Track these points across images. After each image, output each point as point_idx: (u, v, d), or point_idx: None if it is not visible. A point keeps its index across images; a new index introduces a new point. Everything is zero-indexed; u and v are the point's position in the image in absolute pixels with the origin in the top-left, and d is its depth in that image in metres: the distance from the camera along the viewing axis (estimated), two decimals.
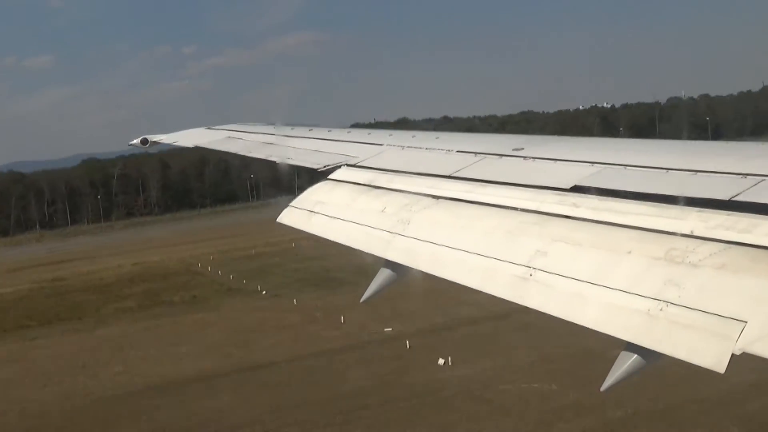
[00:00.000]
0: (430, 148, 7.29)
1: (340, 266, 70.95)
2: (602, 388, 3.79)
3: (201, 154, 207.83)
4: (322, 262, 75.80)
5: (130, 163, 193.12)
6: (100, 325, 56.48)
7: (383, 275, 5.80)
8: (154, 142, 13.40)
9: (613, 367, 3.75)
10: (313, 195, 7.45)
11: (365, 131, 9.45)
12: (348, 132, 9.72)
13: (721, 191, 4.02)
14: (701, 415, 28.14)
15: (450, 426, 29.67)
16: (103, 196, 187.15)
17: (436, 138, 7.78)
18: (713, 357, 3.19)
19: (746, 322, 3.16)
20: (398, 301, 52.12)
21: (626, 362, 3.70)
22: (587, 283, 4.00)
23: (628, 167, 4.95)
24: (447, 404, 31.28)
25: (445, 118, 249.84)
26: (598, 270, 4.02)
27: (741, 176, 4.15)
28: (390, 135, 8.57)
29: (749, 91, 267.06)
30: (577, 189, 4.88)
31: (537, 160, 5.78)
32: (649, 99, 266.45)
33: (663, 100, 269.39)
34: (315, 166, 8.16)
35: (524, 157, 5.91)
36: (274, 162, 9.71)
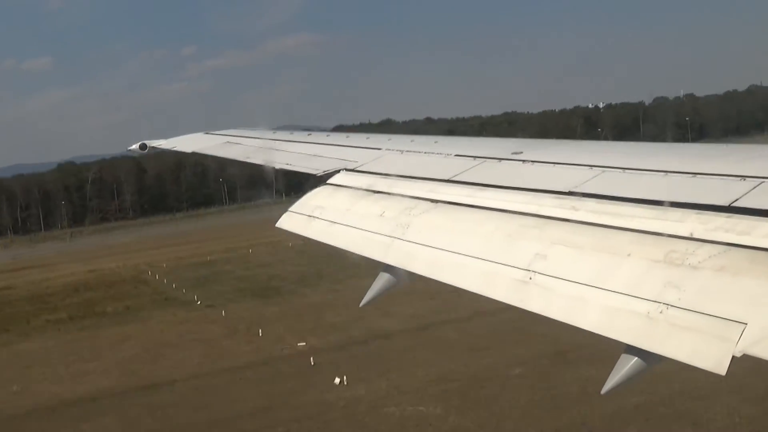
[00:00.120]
0: (428, 152, 7.26)
1: (286, 274, 69.89)
2: (603, 391, 3.72)
3: (177, 157, 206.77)
4: (270, 270, 74.68)
5: (106, 167, 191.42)
6: (24, 338, 55.08)
7: (382, 279, 5.74)
8: (153, 148, 13.42)
9: (614, 369, 3.68)
10: (312, 200, 7.38)
11: (364, 135, 9.39)
12: (347, 137, 9.68)
13: (721, 195, 3.99)
14: None
15: None
16: (77, 200, 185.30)
17: (435, 142, 7.73)
18: (714, 359, 3.16)
19: (746, 323, 3.13)
20: (326, 311, 50.69)
21: (626, 365, 3.64)
22: (587, 286, 3.96)
23: (626, 170, 4.92)
24: (324, 429, 29.52)
25: (428, 120, 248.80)
26: (598, 273, 3.99)
27: (740, 178, 4.12)
28: (389, 139, 8.54)
29: (735, 90, 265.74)
30: (576, 192, 4.85)
31: (536, 163, 5.75)
32: (634, 99, 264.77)
33: (649, 100, 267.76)
34: (314, 171, 8.12)
35: (523, 161, 5.89)
36: (263, 166, 9.73)
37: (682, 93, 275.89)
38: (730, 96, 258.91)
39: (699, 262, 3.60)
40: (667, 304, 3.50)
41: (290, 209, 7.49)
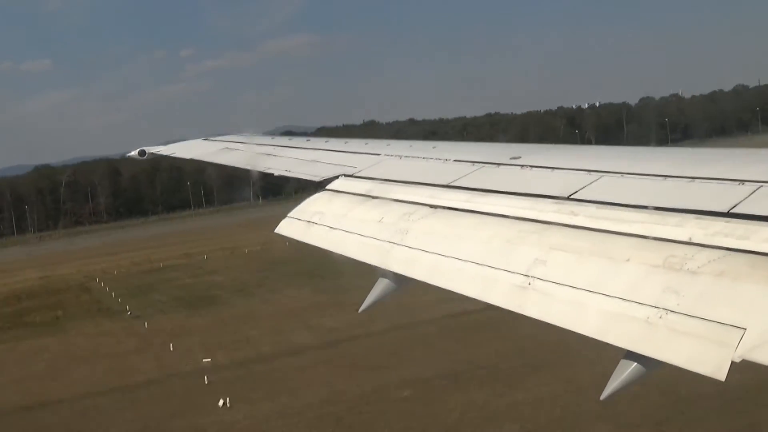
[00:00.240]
0: (427, 158, 7.24)
1: (229, 282, 68.49)
2: (602, 397, 3.69)
3: (153, 160, 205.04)
4: (216, 278, 73.44)
5: (80, 170, 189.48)
6: None
7: (381, 285, 5.72)
8: (152, 154, 13.38)
9: (613, 375, 3.65)
10: (311, 205, 7.34)
11: (362, 141, 9.32)
12: (345, 142, 9.59)
13: (720, 200, 3.99)
14: None
15: None
16: (51, 204, 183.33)
17: (433, 147, 7.70)
18: (713, 364, 3.14)
19: (745, 329, 3.11)
20: (249, 323, 48.94)
21: (626, 371, 3.61)
22: (586, 291, 3.93)
23: (625, 175, 4.91)
24: None
25: (411, 121, 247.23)
26: (597, 278, 3.96)
27: (739, 183, 4.11)
28: (387, 145, 8.50)
29: (721, 91, 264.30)
30: (574, 197, 4.83)
31: (534, 168, 5.74)
32: (623, 99, 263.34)
33: (635, 100, 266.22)
34: (313, 177, 8.08)
35: (522, 166, 5.88)
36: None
37: (671, 92, 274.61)
38: (716, 96, 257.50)
39: (698, 267, 3.57)
40: (666, 309, 3.47)
41: (289, 215, 7.42)
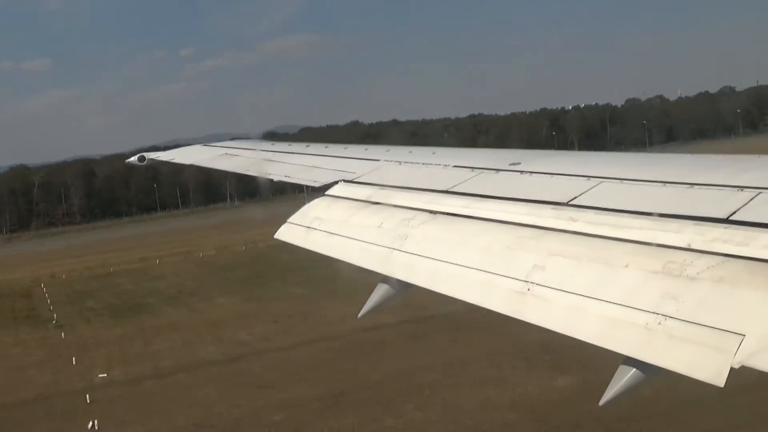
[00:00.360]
0: (426, 164, 7.26)
1: (168, 289, 66.95)
2: (601, 403, 3.70)
3: (115, 161, 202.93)
4: (159, 284, 72.26)
5: (54, 171, 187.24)
6: None
7: (381, 291, 5.71)
8: (152, 160, 13.29)
9: (612, 381, 3.65)
10: (311, 211, 7.33)
11: (362, 147, 9.32)
12: (345, 148, 9.59)
13: (719, 206, 3.97)
14: None
15: None
16: (24, 205, 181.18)
17: (433, 153, 7.69)
18: (712, 370, 3.14)
19: (744, 335, 3.11)
20: (163, 335, 47.23)
21: (624, 376, 3.60)
22: (585, 297, 3.92)
23: (624, 181, 4.91)
24: None
25: (394, 122, 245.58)
26: (596, 284, 3.95)
27: (738, 189, 4.10)
28: (387, 150, 8.49)
29: (706, 92, 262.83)
30: (574, 203, 4.84)
31: (534, 174, 5.74)
32: (607, 101, 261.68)
33: (622, 101, 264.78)
34: (312, 183, 8.10)
35: (521, 172, 5.88)
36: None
37: (656, 94, 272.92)
38: (702, 98, 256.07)
39: (697, 273, 3.57)
40: (665, 315, 3.47)
41: (288, 220, 7.41)
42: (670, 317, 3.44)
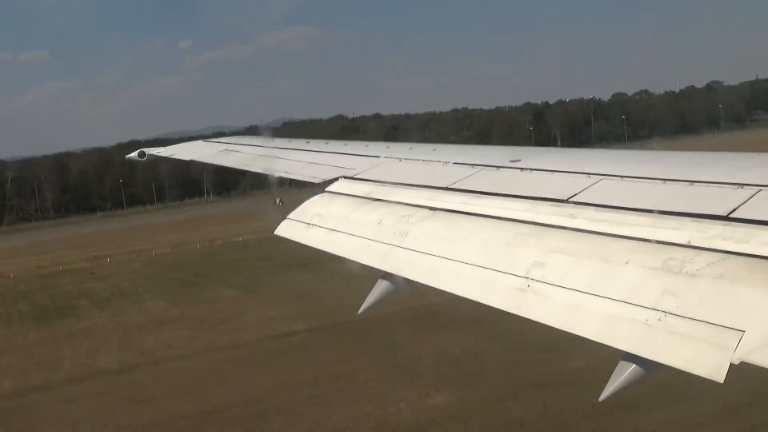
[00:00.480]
0: (426, 160, 7.24)
1: (104, 291, 65.72)
2: (600, 398, 3.71)
3: (102, 155, 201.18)
4: (96, 285, 71.83)
5: (27, 166, 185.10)
6: None
7: (381, 287, 5.72)
8: (152, 155, 13.15)
9: (612, 376, 3.68)
10: (311, 207, 7.36)
11: (362, 143, 9.32)
12: (345, 144, 9.59)
13: (720, 203, 3.98)
14: None
15: None
16: None
17: (433, 150, 7.70)
18: (711, 366, 3.16)
19: (744, 331, 3.13)
20: (76, 341, 45.63)
21: (624, 372, 3.63)
22: (585, 293, 3.94)
23: (624, 178, 4.89)
24: None
25: (377, 115, 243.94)
26: (596, 280, 3.96)
27: (738, 186, 4.10)
28: (387, 147, 8.49)
29: (692, 87, 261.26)
30: (573, 200, 4.84)
31: (534, 171, 5.75)
32: (594, 95, 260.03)
33: (608, 95, 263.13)
34: (312, 179, 8.07)
35: (521, 169, 5.88)
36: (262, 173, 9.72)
37: (663, 86, 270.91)
38: (688, 93, 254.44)
39: (697, 270, 3.58)
40: (665, 312, 3.47)
41: (289, 216, 7.41)
42: (670, 314, 3.45)
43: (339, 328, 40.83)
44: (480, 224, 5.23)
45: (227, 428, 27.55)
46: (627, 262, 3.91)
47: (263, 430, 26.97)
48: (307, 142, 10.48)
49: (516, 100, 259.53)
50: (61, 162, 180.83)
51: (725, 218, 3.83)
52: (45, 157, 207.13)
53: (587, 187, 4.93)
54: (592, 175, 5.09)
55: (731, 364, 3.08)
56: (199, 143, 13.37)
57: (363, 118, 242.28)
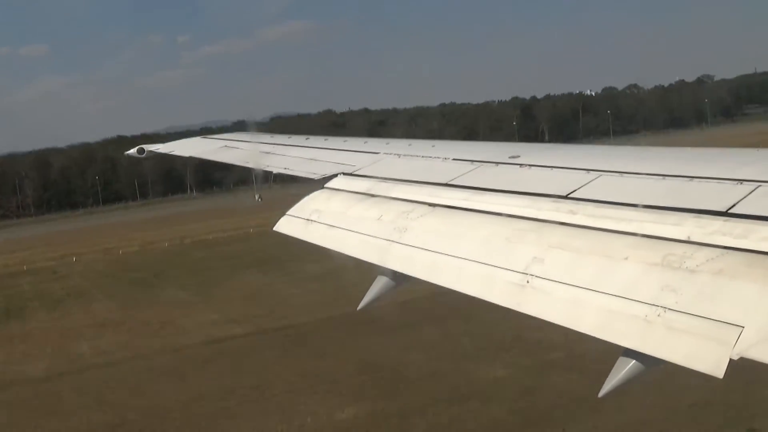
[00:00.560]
0: (426, 157, 7.25)
1: (59, 291, 64.25)
2: (600, 394, 3.71)
3: (85, 151, 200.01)
4: (55, 285, 72.03)
5: (7, 162, 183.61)
6: None
7: (380, 283, 5.73)
8: (151, 152, 13.14)
9: (611, 373, 3.67)
10: (310, 203, 7.34)
11: (361, 140, 9.26)
12: (344, 141, 9.56)
13: (719, 199, 3.98)
14: None
15: None
16: None
17: (432, 146, 7.77)
18: (711, 362, 3.15)
19: (743, 327, 3.13)
20: (13, 345, 44.64)
21: (624, 368, 3.62)
22: (584, 289, 3.94)
23: (624, 174, 4.90)
24: None
25: (365, 110, 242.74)
26: (595, 276, 3.96)
27: (737, 182, 4.11)
28: (387, 143, 8.49)
29: (682, 80, 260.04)
30: (573, 196, 4.83)
31: (533, 167, 5.74)
32: (584, 89, 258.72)
33: (598, 89, 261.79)
34: (312, 175, 8.09)
35: (520, 165, 5.88)
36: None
37: (654, 80, 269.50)
38: (679, 87, 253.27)
39: (696, 265, 3.58)
40: (665, 308, 3.47)
41: (288, 213, 7.40)
42: (670, 309, 3.45)
43: (276, 333, 39.98)
44: (479, 220, 5.22)
45: None
46: (626, 258, 3.92)
47: None
48: (307, 139, 10.47)
49: (506, 95, 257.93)
50: (43, 158, 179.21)
51: (725, 214, 3.81)
52: (32, 153, 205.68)
53: (587, 183, 4.92)
54: (591, 171, 5.07)
55: (730, 360, 3.07)
56: (198, 140, 13.32)
57: (351, 112, 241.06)
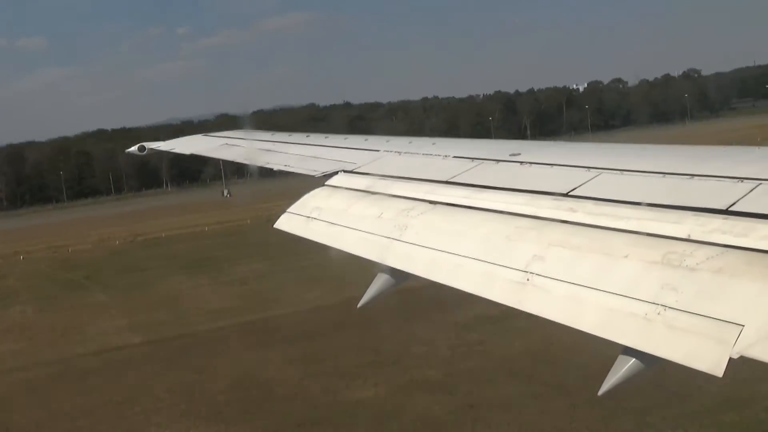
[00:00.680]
0: (426, 154, 7.27)
1: None
2: (600, 393, 3.70)
3: (59, 146, 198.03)
4: None
5: None
6: None
7: (380, 280, 5.74)
8: (152, 149, 13.25)
9: (611, 371, 3.67)
10: (311, 201, 7.38)
11: (362, 137, 9.31)
12: (345, 138, 9.65)
13: (719, 197, 3.99)
14: None
15: None
16: None
17: (433, 144, 7.76)
18: (711, 361, 3.16)
19: (743, 325, 3.13)
20: None
21: (623, 366, 3.63)
22: (584, 287, 3.95)
23: (624, 172, 4.91)
24: None
25: (347, 104, 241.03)
26: (595, 274, 3.97)
27: (738, 180, 4.10)
28: (387, 141, 8.50)
29: (667, 75, 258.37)
30: (573, 194, 4.84)
31: (534, 165, 5.75)
32: (571, 83, 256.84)
33: (584, 83, 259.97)
34: (312, 173, 8.14)
35: (521, 163, 5.89)
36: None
37: (640, 75, 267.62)
38: (664, 81, 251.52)
39: (696, 263, 3.57)
40: (665, 306, 3.48)
41: (288, 210, 7.42)
42: (670, 308, 3.44)
43: (172, 343, 38.34)
44: (480, 218, 5.22)
45: None
46: (627, 256, 3.91)
47: None
48: (307, 136, 10.49)
49: (492, 89, 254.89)
50: (18, 152, 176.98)
51: (725, 212, 3.81)
52: (7, 147, 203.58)
53: (587, 181, 4.92)
54: (591, 169, 5.08)
55: (730, 359, 3.07)
56: (199, 137, 13.34)
57: (333, 107, 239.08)
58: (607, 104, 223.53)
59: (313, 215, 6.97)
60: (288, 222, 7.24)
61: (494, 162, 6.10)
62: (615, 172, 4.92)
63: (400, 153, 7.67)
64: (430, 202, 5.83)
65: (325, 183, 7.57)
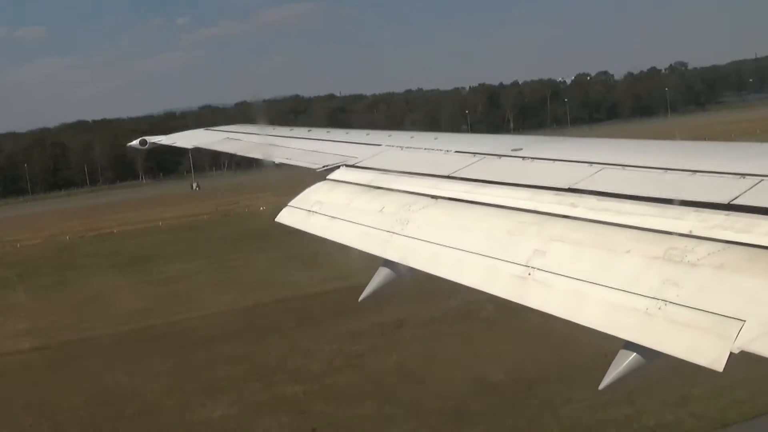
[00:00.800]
0: (428, 149, 7.27)
1: None
2: (600, 387, 3.68)
3: (34, 137, 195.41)
4: None
5: None
6: None
7: (382, 274, 5.72)
8: (153, 144, 13.42)
9: (612, 365, 3.66)
10: (312, 195, 7.36)
11: (363, 132, 9.38)
12: (346, 133, 9.67)
13: (721, 193, 3.97)
14: None
15: None
16: None
17: (435, 138, 7.75)
18: (712, 356, 3.15)
19: (744, 321, 3.13)
20: None
21: (624, 361, 3.62)
22: (586, 282, 3.94)
23: (626, 167, 4.90)
24: None
25: (330, 96, 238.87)
26: (597, 269, 3.96)
27: (739, 176, 4.09)
28: (389, 135, 8.52)
29: (653, 68, 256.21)
30: (575, 189, 4.84)
31: (535, 160, 5.74)
32: (558, 76, 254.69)
33: (571, 76, 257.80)
34: (313, 167, 8.13)
35: (523, 158, 5.87)
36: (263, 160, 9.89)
37: (628, 68, 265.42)
38: (649, 75, 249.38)
39: (698, 259, 3.56)
40: (666, 301, 3.47)
41: (290, 204, 7.42)
42: (671, 303, 3.42)
43: (60, 349, 36.87)
44: (482, 213, 5.20)
45: None
46: (628, 251, 3.90)
47: None
48: (309, 131, 10.56)
49: (476, 82, 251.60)
50: None
51: (726, 208, 3.80)
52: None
53: (589, 176, 4.90)
54: (593, 164, 5.06)
55: (731, 354, 3.06)
56: (201, 131, 13.45)
57: (317, 98, 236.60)
58: (593, 97, 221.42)
59: (314, 209, 7.00)
60: (289, 216, 7.25)
61: (496, 157, 6.11)
62: (617, 167, 4.91)
63: (401, 147, 7.67)
64: (432, 196, 5.83)
65: (327, 177, 7.56)
